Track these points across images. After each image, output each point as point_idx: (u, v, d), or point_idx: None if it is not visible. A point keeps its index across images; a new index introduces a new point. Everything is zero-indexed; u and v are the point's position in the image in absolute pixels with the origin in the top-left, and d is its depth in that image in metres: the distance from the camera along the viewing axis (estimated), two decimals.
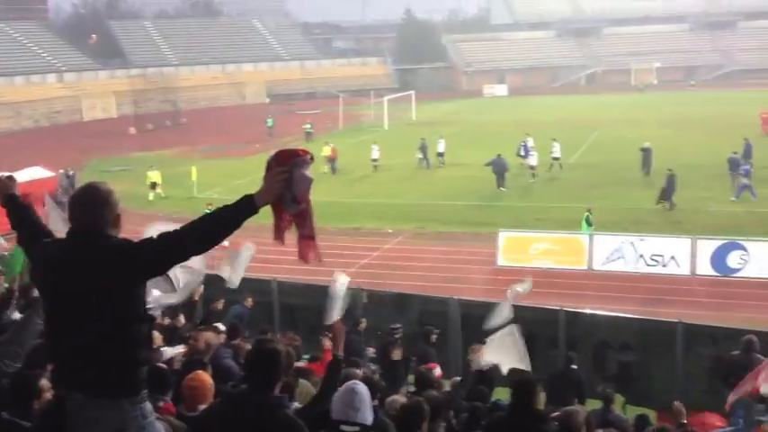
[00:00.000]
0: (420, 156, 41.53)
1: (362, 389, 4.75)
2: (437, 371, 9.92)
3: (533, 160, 36.93)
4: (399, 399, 6.35)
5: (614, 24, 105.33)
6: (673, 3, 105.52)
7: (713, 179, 33.73)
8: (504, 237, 24.70)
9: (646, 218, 28.57)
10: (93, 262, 3.55)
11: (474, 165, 38.01)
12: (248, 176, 41.74)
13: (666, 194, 29.75)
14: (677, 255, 22.47)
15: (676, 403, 8.83)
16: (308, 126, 54.79)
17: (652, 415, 11.06)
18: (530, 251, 24.30)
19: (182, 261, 3.75)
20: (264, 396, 3.97)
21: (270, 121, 59.24)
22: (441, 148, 42.21)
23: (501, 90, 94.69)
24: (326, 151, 41.62)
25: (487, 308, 15.26)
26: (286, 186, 3.73)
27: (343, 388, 4.84)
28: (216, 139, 59.12)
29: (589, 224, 25.01)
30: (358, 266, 24.55)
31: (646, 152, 36.00)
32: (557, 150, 38.51)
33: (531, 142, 39.73)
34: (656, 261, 22.64)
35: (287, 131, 57.87)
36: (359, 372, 9.00)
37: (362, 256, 25.86)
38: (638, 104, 71.08)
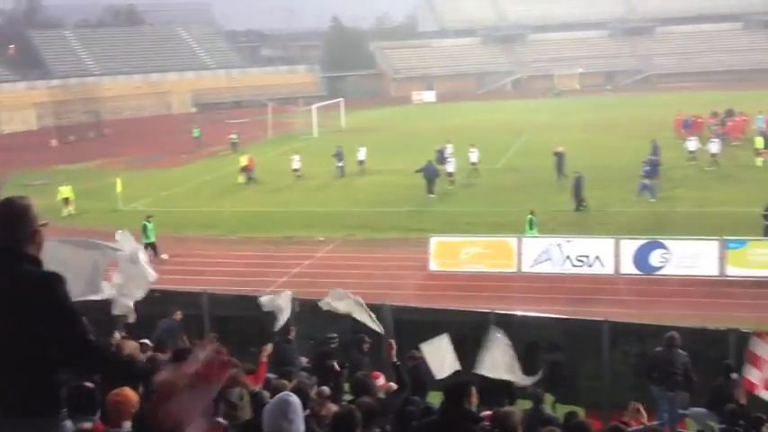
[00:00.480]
0: (339, 164, 41.43)
1: (295, 400, 4.70)
2: (380, 381, 9.91)
3: (451, 167, 37.02)
4: (332, 407, 6.33)
5: (538, 31, 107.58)
6: (592, 9, 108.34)
7: (633, 180, 34.75)
8: (435, 242, 24.91)
9: (571, 220, 29.25)
10: (9, 290, 3.50)
11: (404, 171, 38.26)
12: (175, 187, 41.17)
13: (576, 196, 30.56)
14: (602, 255, 23.05)
15: (633, 403, 8.98)
16: (234, 136, 54.04)
17: (581, 413, 11.31)
18: (461, 255, 24.57)
19: (74, 363, 3.80)
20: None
21: (196, 132, 58.22)
22: (361, 155, 42.19)
23: (429, 96, 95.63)
24: (243, 161, 41.43)
25: (420, 313, 15.47)
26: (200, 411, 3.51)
27: (276, 399, 4.79)
28: (141, 149, 57.98)
29: (532, 226, 25.45)
30: (290, 275, 24.42)
31: (559, 156, 36.72)
32: (474, 156, 39.00)
33: (449, 149, 40.18)
34: (582, 261, 23.18)
35: (215, 141, 57.17)
36: (286, 382, 8.95)
37: (294, 264, 25.72)
38: (562, 109, 72.74)
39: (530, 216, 25.67)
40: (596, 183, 34.25)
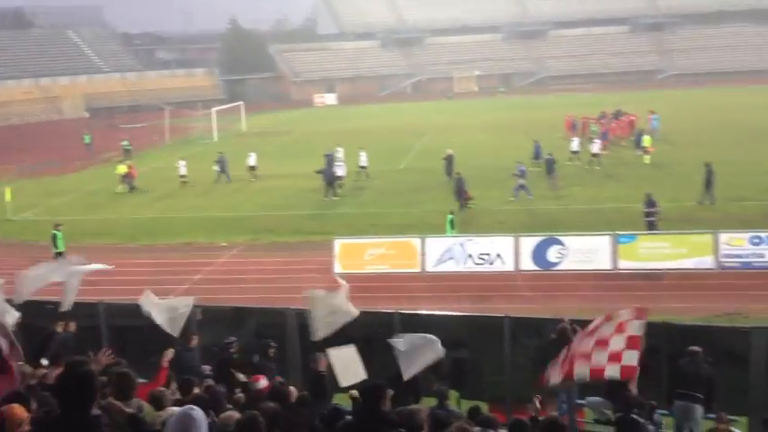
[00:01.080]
0: (218, 169, 40.54)
1: (199, 414, 4.56)
2: (262, 383, 9.82)
3: (341, 171, 36.84)
4: (234, 414, 6.25)
5: (435, 34, 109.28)
6: (487, 13, 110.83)
7: (532, 179, 35.79)
8: (339, 244, 24.91)
9: (469, 219, 29.80)
10: None
11: (305, 175, 38.10)
12: (68, 195, 39.69)
13: (459, 195, 31.40)
14: (502, 252, 23.61)
15: (534, 398, 9.16)
16: (126, 143, 51.87)
17: (485, 407, 11.55)
18: (365, 257, 24.67)
19: None
20: (80, 418, 3.85)
21: (87, 138, 56.09)
22: (252, 161, 41.28)
23: (331, 99, 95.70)
24: (122, 170, 40.06)
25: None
26: None
27: (179, 413, 4.66)
28: (31, 156, 55.57)
29: (453, 226, 25.79)
30: (191, 282, 23.94)
31: (448, 159, 37.24)
32: (363, 160, 39.10)
33: (340, 153, 40.19)
34: (484, 260, 23.68)
35: (108, 147, 55.43)
36: (196, 389, 8.80)
37: (195, 271, 25.24)
38: (461, 111, 74.13)
39: (450, 216, 26.03)
40: (494, 183, 35.11)
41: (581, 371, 8.96)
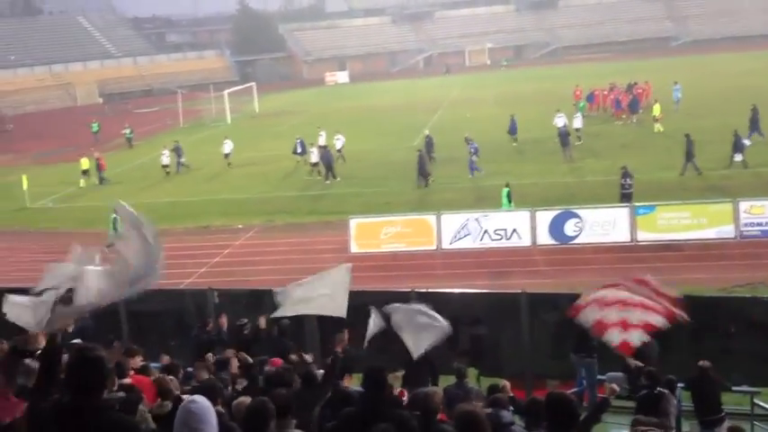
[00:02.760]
0: (165, 160, 39.00)
1: (198, 407, 4.34)
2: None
3: (314, 157, 35.99)
4: (245, 400, 6.20)
5: (445, 8, 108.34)
6: None
7: (549, 153, 35.52)
8: (354, 223, 24.86)
9: (488, 194, 29.59)
10: None
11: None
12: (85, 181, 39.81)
13: (420, 171, 31.59)
14: (519, 227, 23.46)
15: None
16: (128, 131, 51.01)
17: (506, 384, 11.50)
18: (381, 236, 24.59)
19: None
20: (89, 403, 3.85)
21: (95, 126, 54.78)
22: (227, 149, 40.18)
23: (343, 77, 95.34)
24: (84, 164, 38.36)
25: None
26: None
27: (179, 410, 4.43)
28: (47, 144, 55.91)
29: (509, 200, 25.59)
30: (209, 266, 24.03)
31: (428, 140, 36.42)
32: (339, 143, 38.20)
33: (321, 139, 38.79)
34: (500, 235, 23.54)
35: (120, 133, 55.43)
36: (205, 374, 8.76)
37: (214, 254, 25.31)
38: (474, 84, 73.59)
39: (506, 189, 25.67)
40: (511, 156, 34.86)
41: (610, 336, 8.81)
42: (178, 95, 65.48)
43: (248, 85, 69.23)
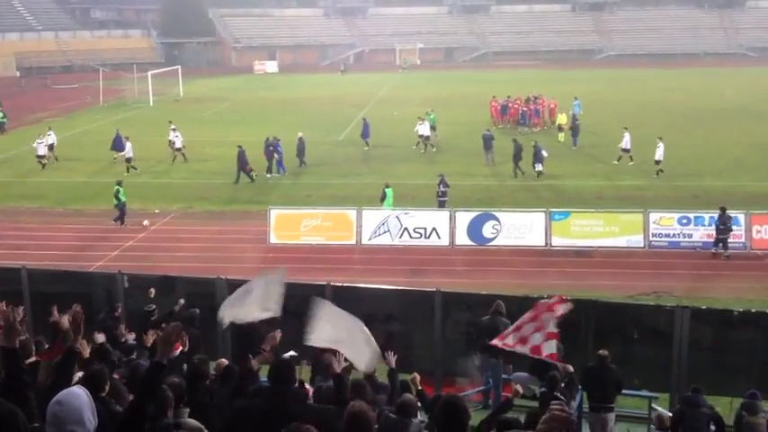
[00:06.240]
0: (41, 150, 35.06)
1: (63, 409, 3.99)
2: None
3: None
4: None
5: (379, 5, 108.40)
6: None
7: (473, 155, 35.91)
8: (275, 214, 24.66)
9: (412, 192, 29.77)
10: None
11: (244, 143, 37.25)
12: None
13: (240, 167, 31.70)
14: (438, 227, 23.70)
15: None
16: (1, 115, 46.51)
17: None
18: (301, 228, 24.47)
19: None
20: None
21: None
22: (50, 140, 36.43)
23: (272, 67, 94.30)
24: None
25: None
26: None
27: (48, 408, 4.07)
28: None
29: (390, 199, 25.61)
30: (122, 249, 23.43)
31: (300, 141, 35.24)
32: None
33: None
34: (419, 233, 23.74)
35: (40, 107, 53.51)
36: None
37: (127, 238, 24.67)
38: (403, 83, 73.86)
39: (388, 189, 25.74)
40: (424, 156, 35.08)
41: (522, 350, 9.52)
42: (99, 73, 63.52)
43: (174, 68, 67.72)
